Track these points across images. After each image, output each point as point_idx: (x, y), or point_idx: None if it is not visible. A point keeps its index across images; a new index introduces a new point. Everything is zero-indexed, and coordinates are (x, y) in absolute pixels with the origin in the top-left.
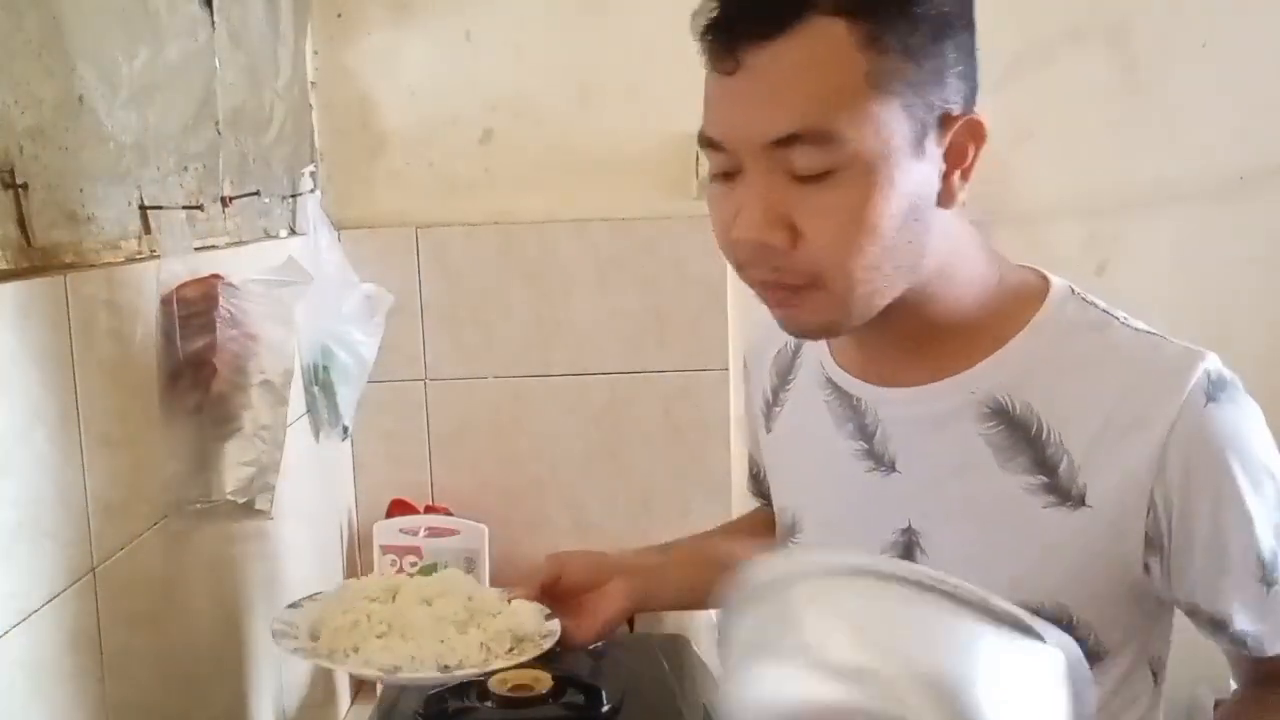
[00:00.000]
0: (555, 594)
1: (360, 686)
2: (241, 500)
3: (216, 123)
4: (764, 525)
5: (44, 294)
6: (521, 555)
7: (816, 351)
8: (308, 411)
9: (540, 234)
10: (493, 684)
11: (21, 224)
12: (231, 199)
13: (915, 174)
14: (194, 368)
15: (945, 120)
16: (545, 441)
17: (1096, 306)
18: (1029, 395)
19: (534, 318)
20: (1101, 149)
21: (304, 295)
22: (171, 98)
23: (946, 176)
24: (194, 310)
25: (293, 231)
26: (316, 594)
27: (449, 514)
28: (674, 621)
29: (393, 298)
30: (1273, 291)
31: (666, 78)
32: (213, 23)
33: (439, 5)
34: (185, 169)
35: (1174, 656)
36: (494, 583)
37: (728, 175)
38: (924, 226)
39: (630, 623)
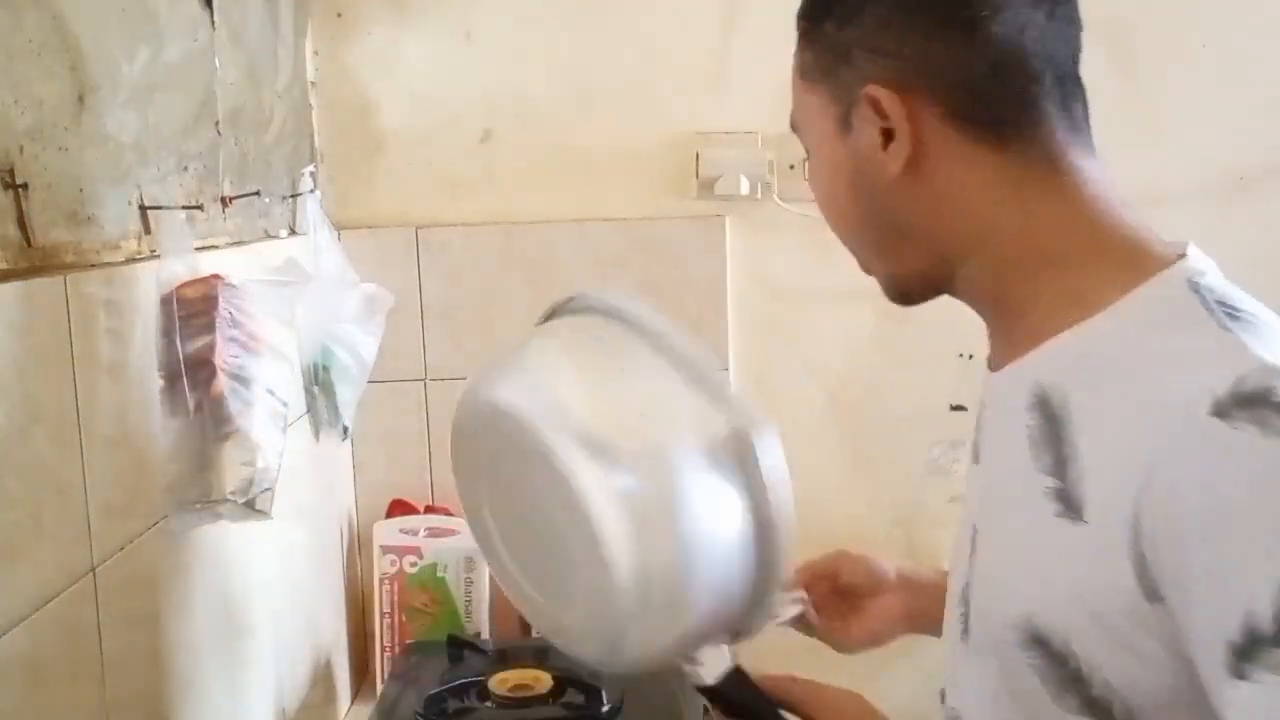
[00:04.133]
0: (832, 590)
1: (360, 686)
2: (241, 500)
3: (216, 123)
4: None
5: (44, 294)
6: None
7: None
8: (308, 411)
9: (540, 234)
10: (493, 684)
11: (21, 224)
12: (231, 199)
13: (847, 150)
14: (194, 368)
15: (863, 97)
16: None
17: (1212, 306)
18: (1072, 386)
19: (534, 318)
20: (1101, 149)
21: (304, 295)
22: (171, 98)
23: (883, 148)
24: (194, 310)
25: (293, 231)
26: None
27: (449, 514)
28: None
29: (393, 298)
30: (1273, 291)
31: (666, 78)
32: (213, 23)
33: (439, 5)
34: (185, 169)
35: None
36: (494, 582)
37: None
38: (878, 196)
39: None
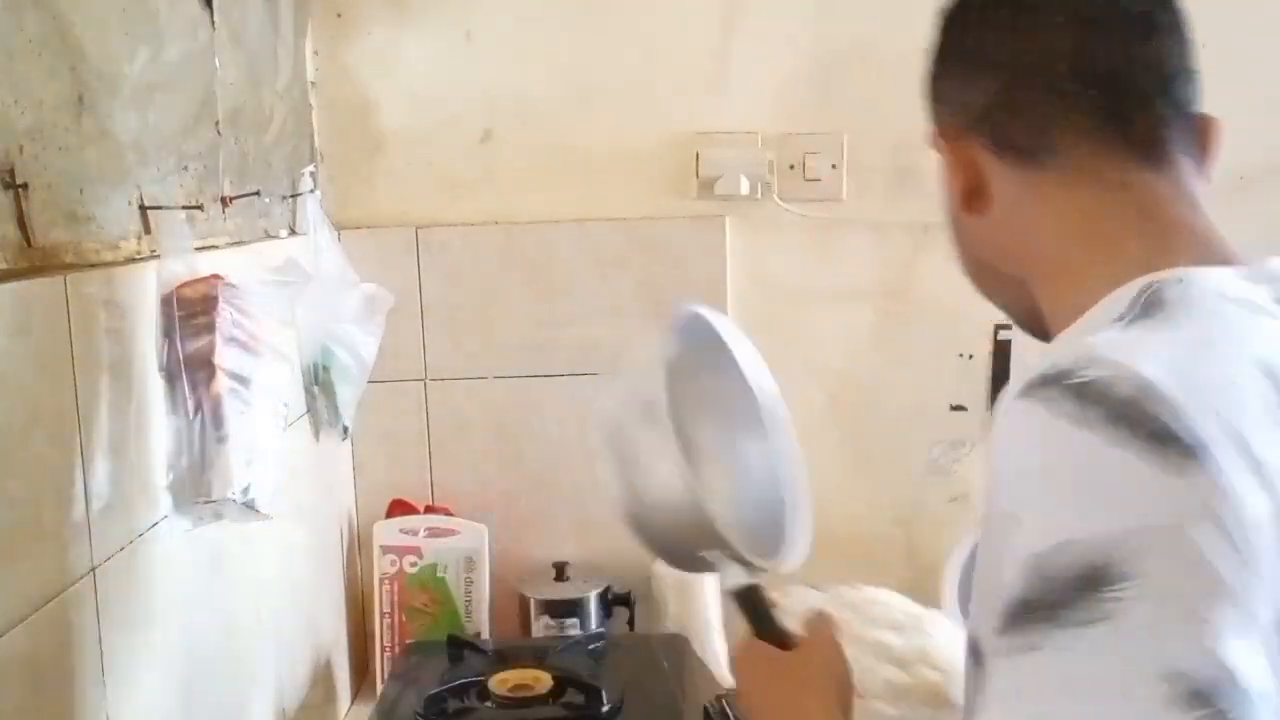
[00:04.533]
0: None
1: (360, 686)
2: (241, 500)
3: (216, 123)
4: None
5: (44, 294)
6: (521, 555)
7: None
8: (308, 411)
9: (540, 234)
10: (493, 684)
11: (21, 224)
12: (231, 199)
13: (945, 188)
14: (194, 368)
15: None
16: (545, 441)
17: (1138, 306)
18: None
19: (534, 318)
20: None
21: (304, 295)
22: (171, 98)
23: (954, 188)
24: (194, 310)
25: (293, 231)
26: None
27: (449, 514)
28: (674, 621)
29: (393, 298)
30: None
31: (666, 78)
32: (213, 23)
33: (439, 5)
34: (185, 169)
35: None
36: (494, 582)
37: None
38: (962, 233)
39: (630, 622)
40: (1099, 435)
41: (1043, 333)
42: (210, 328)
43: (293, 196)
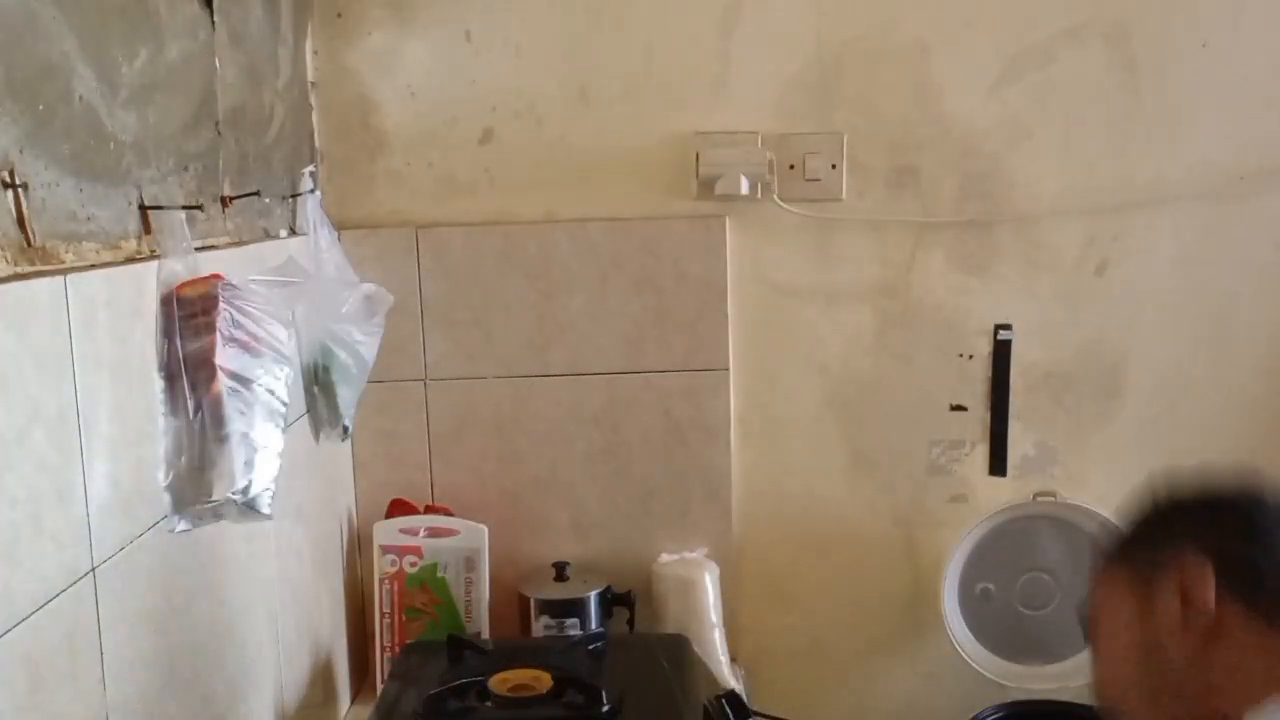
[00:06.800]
0: None
1: (360, 686)
2: (241, 500)
3: (216, 123)
4: None
5: (44, 294)
6: (521, 555)
7: None
8: (308, 411)
9: (540, 234)
10: (493, 684)
11: (21, 224)
12: (231, 199)
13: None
14: (194, 368)
15: None
16: (545, 441)
17: None
18: None
19: (534, 318)
20: (1101, 149)
21: (304, 295)
22: (171, 98)
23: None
24: (194, 310)
25: (293, 231)
26: None
27: (449, 514)
28: (674, 621)
29: (393, 298)
30: (1273, 292)
31: (666, 78)
32: (213, 23)
33: (439, 5)
34: (185, 169)
35: None
36: (494, 582)
37: None
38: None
39: (630, 622)
40: None
41: None
42: (210, 328)
43: (293, 196)
